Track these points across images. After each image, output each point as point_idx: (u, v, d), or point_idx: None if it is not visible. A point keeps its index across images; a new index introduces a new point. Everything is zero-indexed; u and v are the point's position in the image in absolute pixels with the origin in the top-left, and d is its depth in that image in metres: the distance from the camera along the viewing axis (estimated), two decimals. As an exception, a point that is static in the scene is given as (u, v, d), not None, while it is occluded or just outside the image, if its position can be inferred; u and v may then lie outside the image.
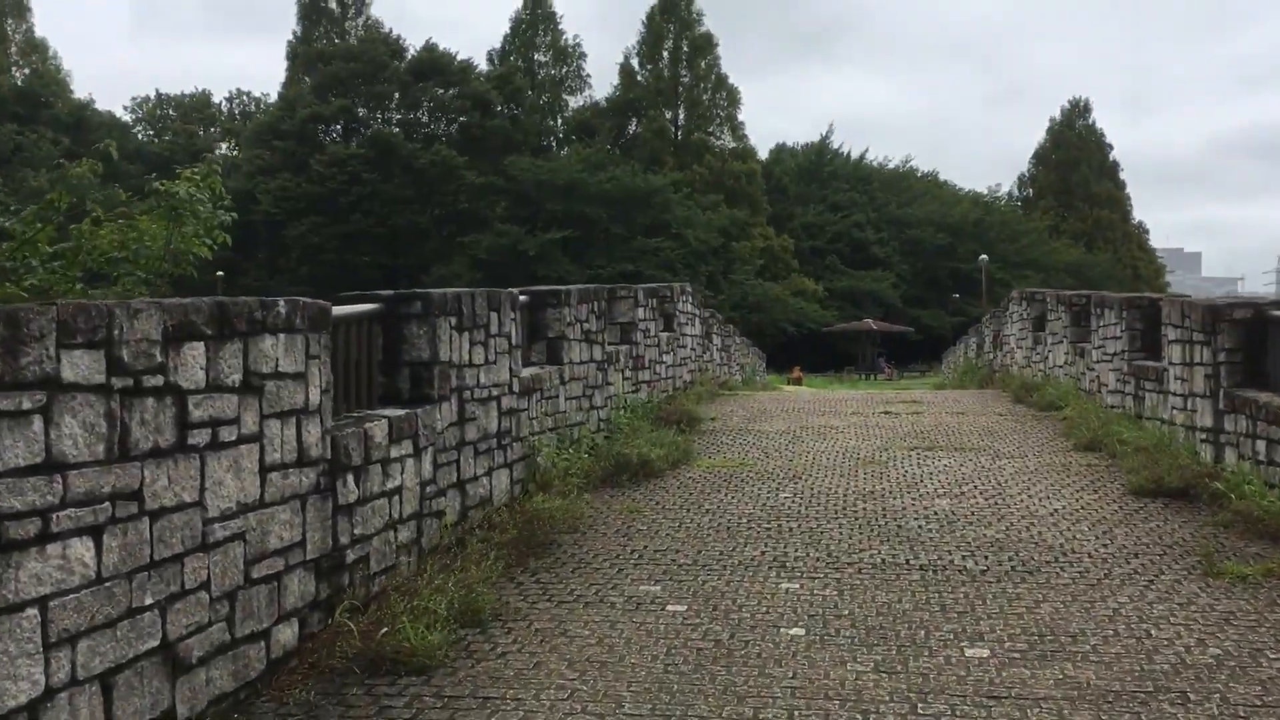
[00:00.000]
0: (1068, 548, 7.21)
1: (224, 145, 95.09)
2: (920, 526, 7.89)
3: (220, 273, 66.07)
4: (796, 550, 7.28)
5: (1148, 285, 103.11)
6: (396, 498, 6.15)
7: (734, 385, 22.30)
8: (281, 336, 4.89)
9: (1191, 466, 8.84)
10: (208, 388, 4.32)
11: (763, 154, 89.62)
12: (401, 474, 6.22)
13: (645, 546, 7.46)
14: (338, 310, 6.25)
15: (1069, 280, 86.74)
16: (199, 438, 4.27)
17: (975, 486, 9.33)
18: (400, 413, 6.29)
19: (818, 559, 7.04)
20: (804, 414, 14.63)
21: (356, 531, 5.62)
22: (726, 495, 9.15)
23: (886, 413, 14.59)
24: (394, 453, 6.12)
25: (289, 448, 4.95)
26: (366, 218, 68.06)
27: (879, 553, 7.18)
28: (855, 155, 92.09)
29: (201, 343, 4.29)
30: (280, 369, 4.88)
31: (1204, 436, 9.37)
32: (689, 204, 73.04)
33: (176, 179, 11.20)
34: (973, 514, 8.28)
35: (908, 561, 6.93)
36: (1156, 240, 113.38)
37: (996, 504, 8.60)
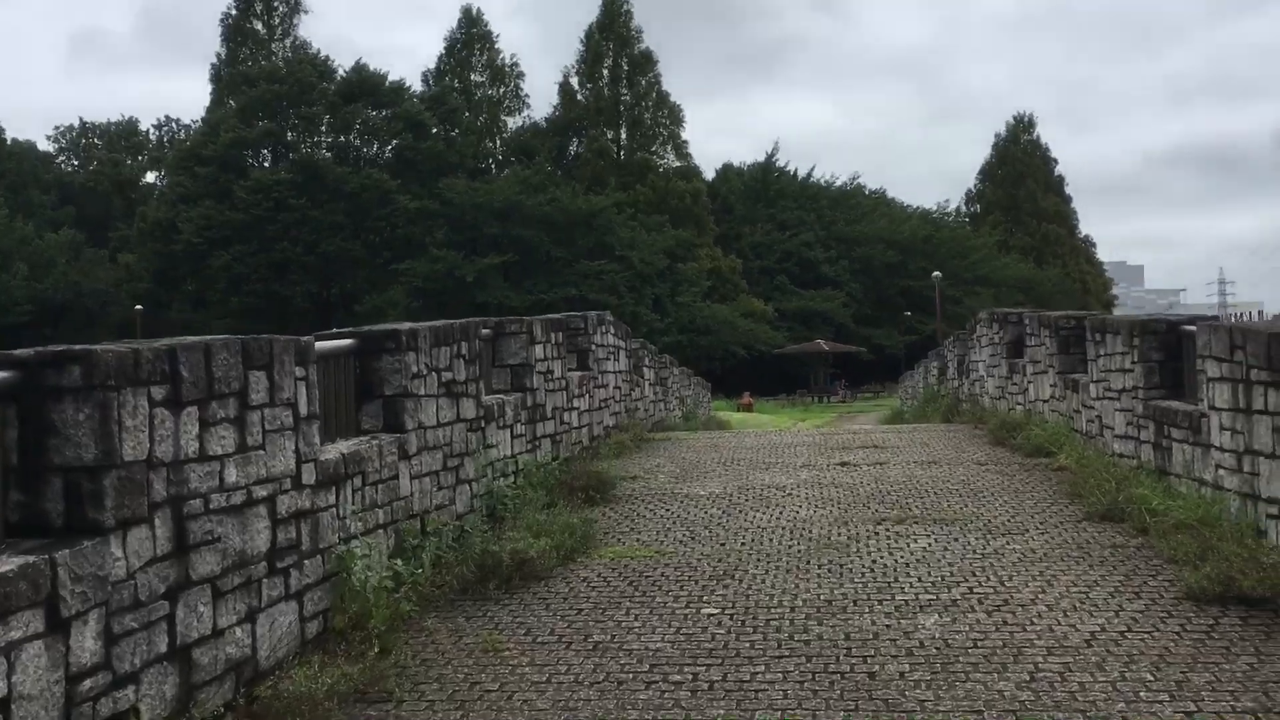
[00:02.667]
0: (1135, 722, 4.67)
1: (151, 174, 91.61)
2: (903, 674, 5.32)
3: (139, 307, 62.63)
4: (716, 736, 4.67)
5: (1096, 299, 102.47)
6: (-8, 722, 3.48)
7: (671, 425, 19.75)
8: None
9: (1273, 562, 6.35)
10: None
11: (708, 175, 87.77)
12: (8, 675, 3.54)
13: (483, 733, 4.82)
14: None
15: (1019, 296, 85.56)
16: None
17: (971, 588, 6.79)
18: (12, 564, 3.62)
19: (748, 760, 4.44)
20: (745, 468, 12.07)
21: None
22: (627, 614, 6.54)
23: (844, 464, 12.07)
24: (-17, 643, 3.45)
25: None
26: (295, 246, 64.86)
27: (844, 739, 4.59)
28: (802, 174, 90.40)
29: None
30: None
31: (1274, 511, 6.92)
32: (633, 225, 70.72)
33: None
34: (975, 643, 5.73)
35: (891, 765, 4.35)
36: (1101, 254, 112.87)
37: (1006, 623, 6.06)
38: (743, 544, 8.25)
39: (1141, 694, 4.96)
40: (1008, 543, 7.94)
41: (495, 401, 9.37)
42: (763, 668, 5.48)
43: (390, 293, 67.39)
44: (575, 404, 12.47)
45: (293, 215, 64.61)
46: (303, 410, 5.67)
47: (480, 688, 5.37)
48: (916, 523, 8.78)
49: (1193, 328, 9.00)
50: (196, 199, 65.77)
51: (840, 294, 78.39)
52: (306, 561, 5.64)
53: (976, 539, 8.10)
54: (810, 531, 8.60)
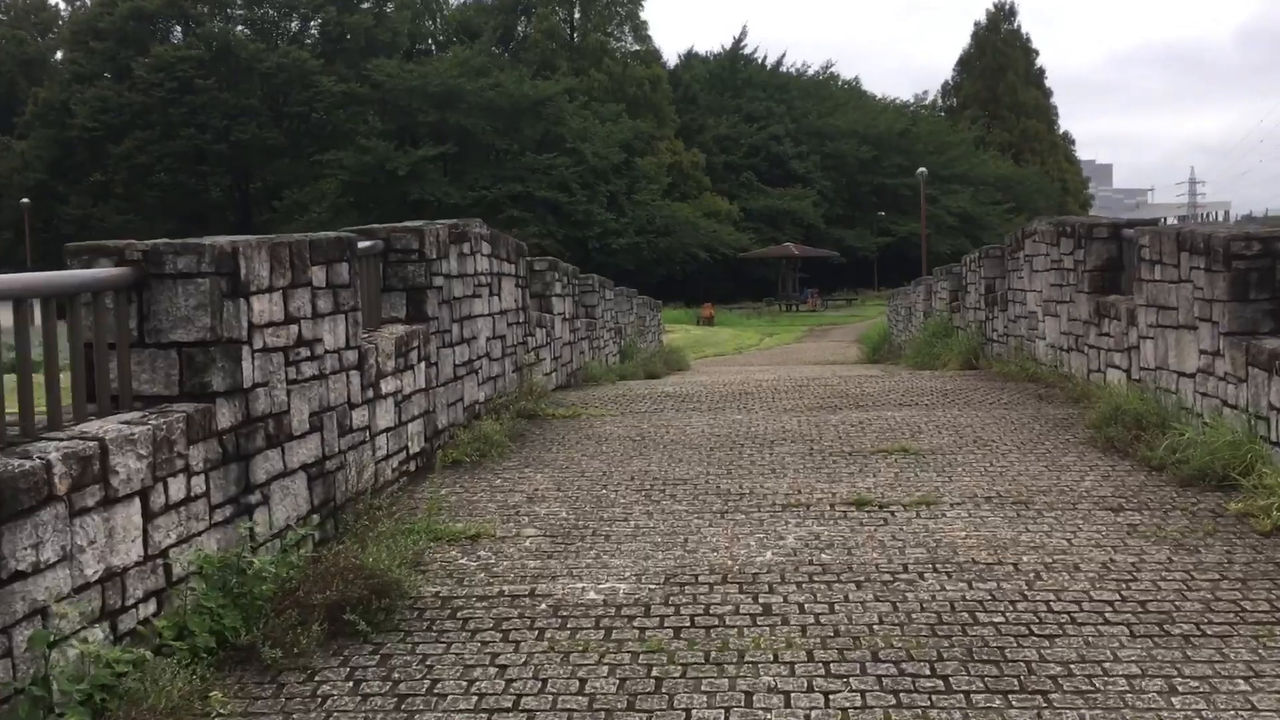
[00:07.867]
0: None
1: (61, 53, 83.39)
2: None
3: (25, 200, 55.71)
4: None
5: (1075, 199, 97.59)
6: None
7: (595, 373, 14.37)
8: None
9: None
10: None
11: (670, 62, 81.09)
12: None
13: None
14: None
15: (998, 194, 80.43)
16: None
17: None
18: None
19: None
20: (685, 504, 6.74)
21: None
22: None
23: (859, 504, 6.73)
24: None
25: None
26: (203, 132, 57.99)
27: None
28: (771, 62, 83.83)
29: None
30: None
31: None
32: (586, 115, 64.34)
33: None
34: None
35: None
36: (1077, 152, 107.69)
37: None
38: None
39: None
40: None
41: (82, 448, 3.89)
42: None
43: (316, 187, 61.05)
44: (385, 389, 7.00)
45: (201, 98, 57.66)
46: None
47: None
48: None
49: None
50: (93, 78, 58.57)
51: (810, 192, 72.68)
52: None
53: None
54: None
